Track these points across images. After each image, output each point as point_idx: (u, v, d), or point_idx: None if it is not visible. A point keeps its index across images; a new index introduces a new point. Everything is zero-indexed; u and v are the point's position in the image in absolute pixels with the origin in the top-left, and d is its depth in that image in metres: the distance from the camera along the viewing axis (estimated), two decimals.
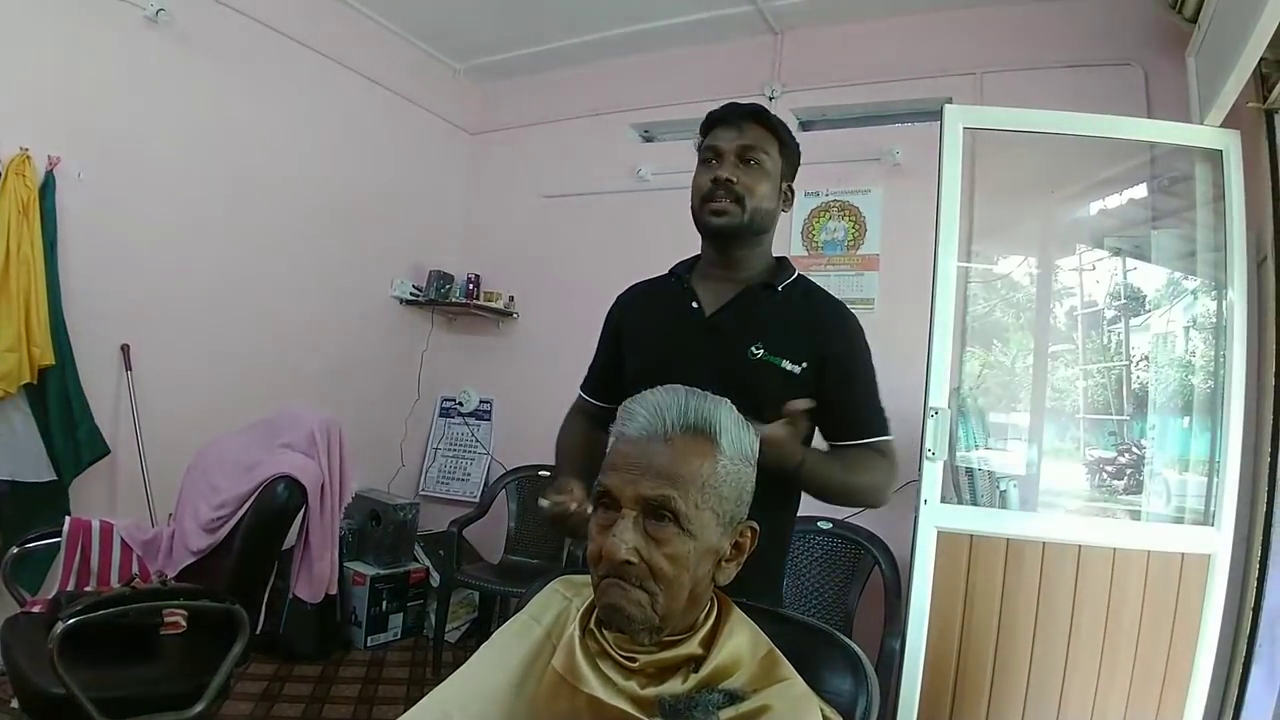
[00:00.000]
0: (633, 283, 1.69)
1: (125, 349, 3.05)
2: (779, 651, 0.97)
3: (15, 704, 1.86)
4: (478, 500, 3.97)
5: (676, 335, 1.49)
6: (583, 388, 1.72)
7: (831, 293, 1.55)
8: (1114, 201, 3.07)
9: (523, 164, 4.20)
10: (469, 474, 4.29)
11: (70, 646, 1.74)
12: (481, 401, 4.28)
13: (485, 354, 4.30)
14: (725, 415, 0.98)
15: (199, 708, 1.89)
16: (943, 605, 2.34)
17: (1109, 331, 3.30)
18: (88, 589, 2.31)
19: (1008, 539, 2.32)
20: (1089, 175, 3.00)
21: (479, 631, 3.86)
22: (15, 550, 2.24)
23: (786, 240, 3.47)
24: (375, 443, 4.11)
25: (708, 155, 1.48)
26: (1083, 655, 2.26)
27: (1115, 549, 2.26)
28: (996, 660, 2.31)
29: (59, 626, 1.67)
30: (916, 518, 2.38)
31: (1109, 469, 3.07)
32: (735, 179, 1.43)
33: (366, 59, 3.85)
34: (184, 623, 2.12)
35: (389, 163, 4.05)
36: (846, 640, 1.09)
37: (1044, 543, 2.29)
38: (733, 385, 1.35)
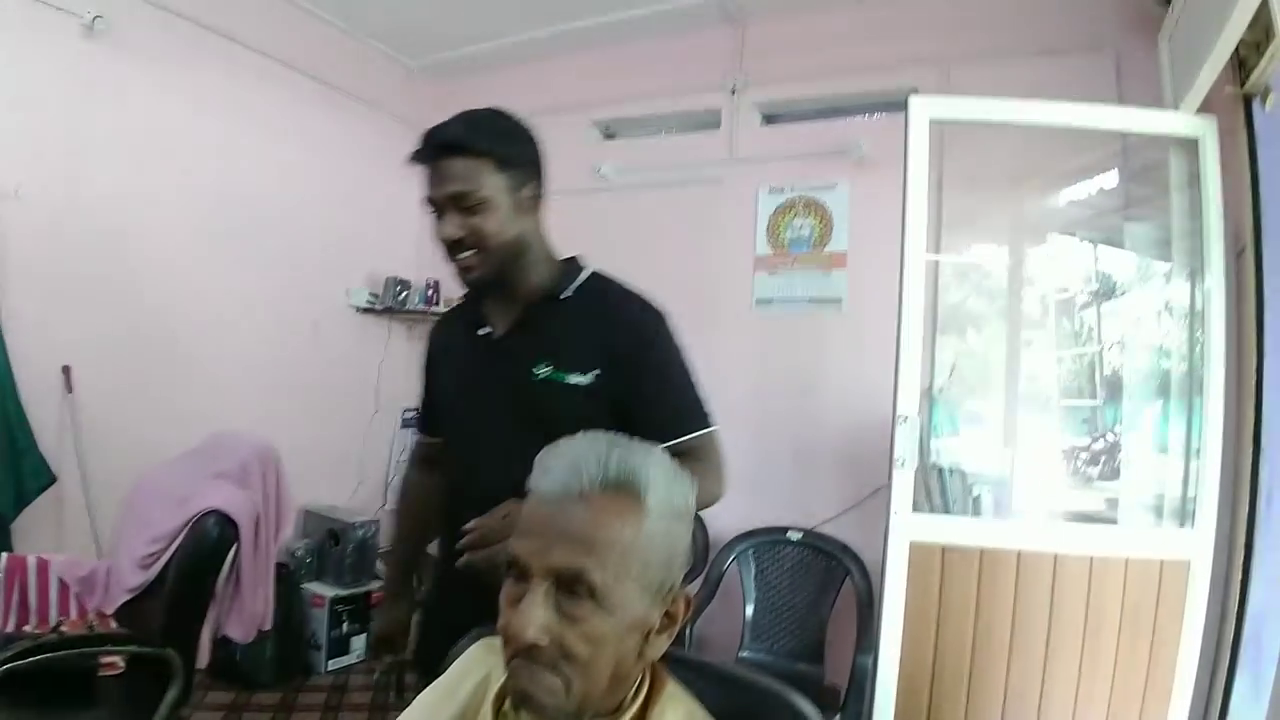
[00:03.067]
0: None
1: (66, 370, 2.90)
2: None
3: None
4: None
5: (471, 361, 1.42)
6: (418, 426, 1.65)
7: (632, 288, 1.44)
8: (1085, 190, 2.99)
9: None
10: None
11: (7, 692, 1.70)
12: None
13: None
14: (654, 466, 0.84)
15: None
16: (916, 620, 2.24)
17: (1080, 316, 3.22)
18: (26, 628, 2.21)
19: (981, 550, 2.23)
20: (1060, 164, 2.92)
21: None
22: None
23: (751, 240, 3.36)
24: (333, 458, 3.96)
25: (429, 207, 1.34)
26: (1061, 668, 2.17)
27: (1092, 557, 2.17)
28: (972, 676, 2.22)
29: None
30: (887, 529, 2.29)
31: (1084, 455, 3.01)
32: (462, 235, 1.29)
33: (314, 59, 3.70)
34: (121, 663, 2.03)
35: (341, 166, 3.88)
36: (800, 704, 0.95)
37: (1019, 552, 2.20)
38: (524, 410, 1.32)
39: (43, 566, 2.26)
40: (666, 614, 0.85)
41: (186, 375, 3.30)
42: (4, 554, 2.25)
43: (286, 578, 3.46)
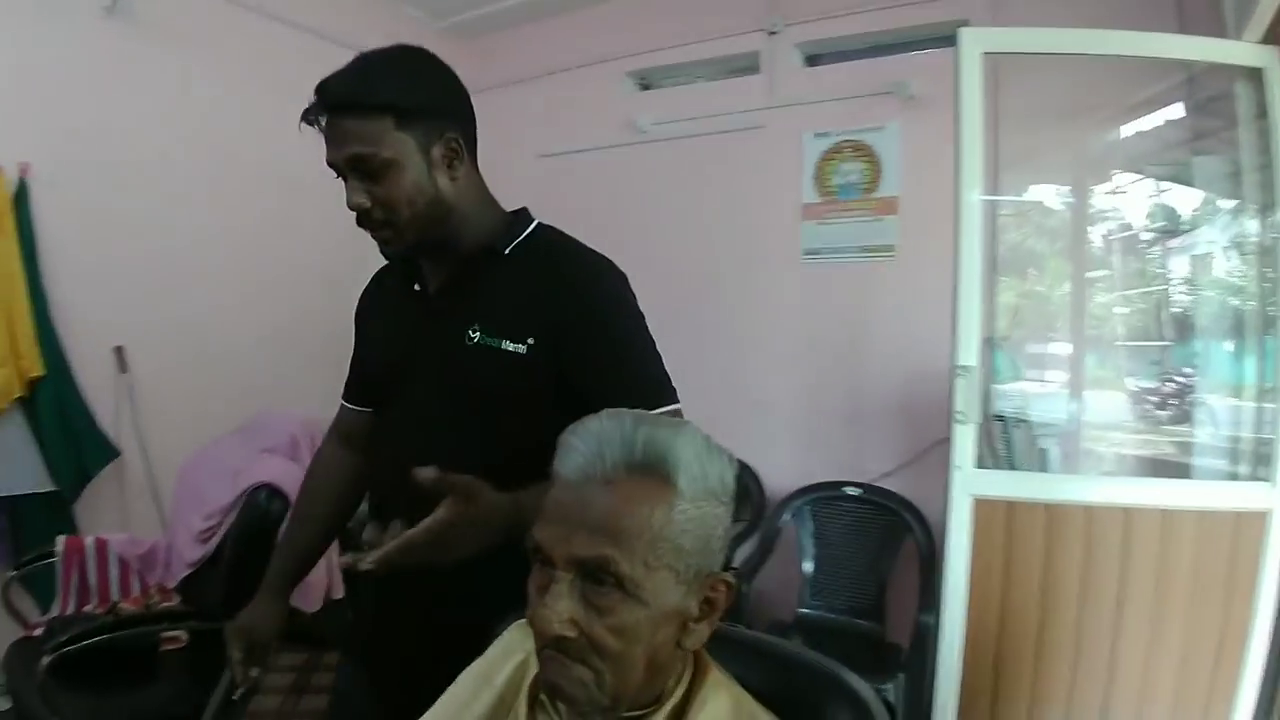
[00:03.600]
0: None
1: (119, 351, 2.95)
2: (767, 717, 0.81)
3: None
4: None
5: (401, 323, 1.25)
6: (344, 397, 1.45)
7: (585, 246, 1.24)
8: (1149, 124, 2.80)
9: (518, 123, 3.97)
10: None
11: (67, 673, 1.73)
12: None
13: None
14: (685, 445, 0.76)
15: None
16: (981, 578, 2.17)
17: (1146, 255, 3.08)
18: (87, 608, 2.26)
19: (1047, 505, 2.14)
20: (1122, 98, 2.74)
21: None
22: (13, 574, 2.21)
23: (797, 188, 3.25)
24: None
25: (339, 174, 1.15)
26: (1132, 626, 2.09)
27: (1164, 510, 2.06)
28: (1040, 635, 2.16)
29: (43, 660, 1.65)
30: (948, 484, 2.21)
31: (1153, 399, 2.89)
32: (367, 203, 1.12)
33: (339, 25, 3.62)
34: (185, 637, 2.08)
35: None
36: (854, 683, 0.89)
37: (1087, 507, 2.11)
38: (454, 379, 1.17)
39: (101, 546, 2.30)
40: (706, 600, 0.79)
41: (236, 351, 3.31)
42: (61, 537, 2.29)
43: (353, 541, 3.52)
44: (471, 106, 1.23)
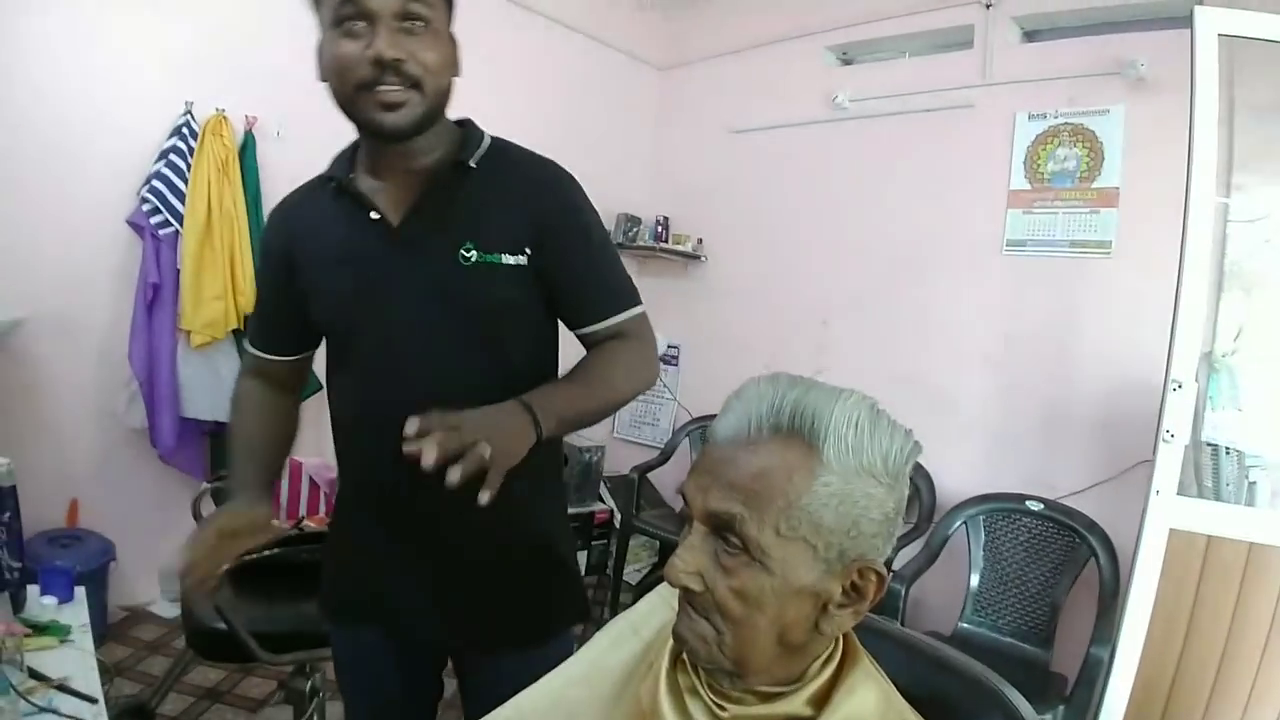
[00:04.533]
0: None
1: None
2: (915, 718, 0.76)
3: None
4: (662, 447, 3.91)
5: (361, 262, 1.12)
6: (251, 342, 1.32)
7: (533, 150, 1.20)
8: None
9: (711, 98, 3.95)
10: (658, 419, 4.25)
11: (242, 583, 1.81)
12: (669, 346, 4.16)
13: (673, 298, 4.15)
14: (839, 412, 0.70)
15: None
16: (1165, 616, 1.98)
17: None
18: (275, 522, 2.47)
19: (1250, 544, 1.89)
20: None
21: (658, 574, 3.85)
22: (206, 486, 2.41)
23: (1005, 172, 3.01)
24: None
25: (347, 12, 1.01)
26: None
27: None
28: (1216, 686, 1.92)
29: (222, 565, 1.75)
30: (1145, 510, 2.00)
31: None
32: (405, 56, 1.01)
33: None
34: None
35: (575, 105, 3.93)
36: (1012, 698, 0.80)
37: None
38: (451, 305, 1.10)
39: (295, 468, 2.50)
40: (853, 587, 0.73)
41: None
42: None
43: None
44: None
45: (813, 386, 0.73)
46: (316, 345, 1.29)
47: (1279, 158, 2.44)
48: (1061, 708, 2.19)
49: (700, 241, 4.04)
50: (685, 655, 0.78)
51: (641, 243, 4.05)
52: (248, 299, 2.79)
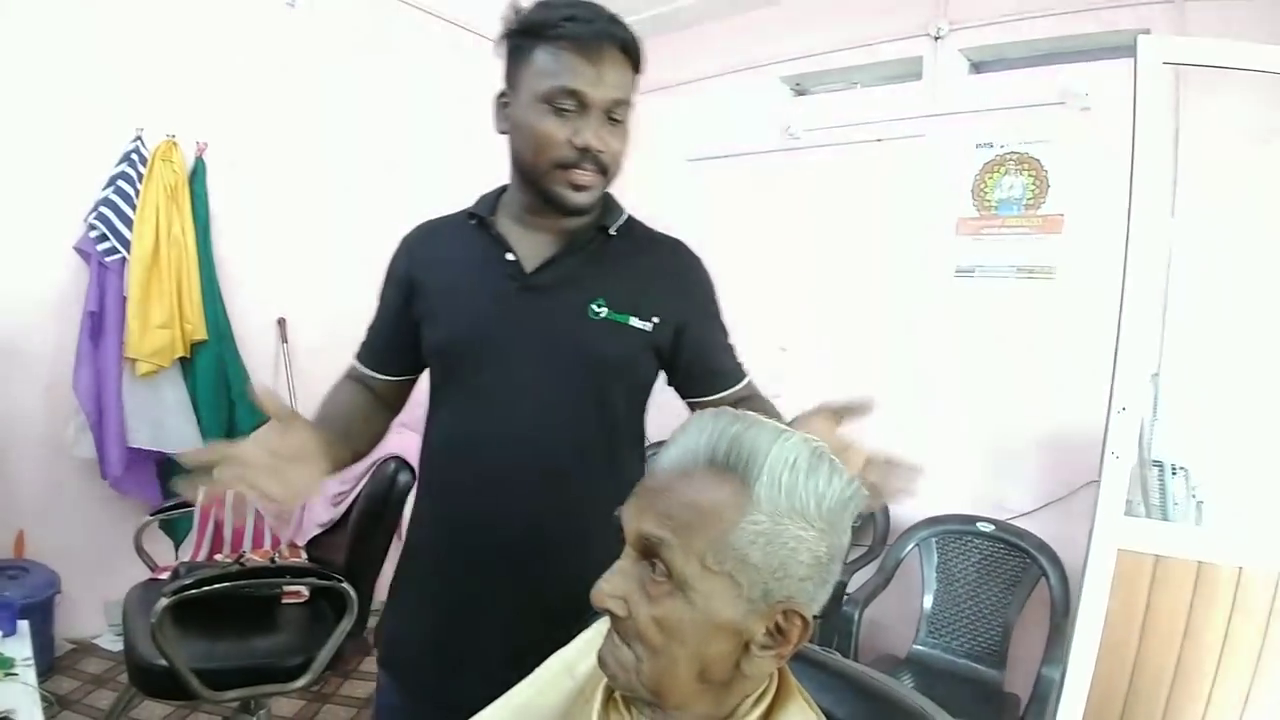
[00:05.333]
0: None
1: (281, 322, 3.17)
2: None
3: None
4: None
5: (489, 299, 1.18)
6: (358, 356, 1.37)
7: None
8: None
9: (666, 128, 3.99)
10: None
11: (185, 619, 1.78)
12: None
13: None
14: (776, 452, 0.70)
15: (301, 681, 1.89)
16: (1116, 635, 2.00)
17: None
18: (218, 557, 2.42)
19: (1199, 563, 1.93)
20: None
21: None
22: (148, 519, 2.35)
23: (954, 201, 3.08)
24: None
25: (567, 104, 1.09)
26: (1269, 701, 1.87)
27: None
28: (1168, 705, 1.96)
29: (161, 601, 1.69)
30: (1092, 531, 2.03)
31: None
32: (605, 148, 1.11)
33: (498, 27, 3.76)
34: (306, 592, 2.19)
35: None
36: None
37: (1240, 569, 1.89)
38: (572, 354, 1.15)
39: (239, 500, 2.45)
40: (777, 629, 0.73)
41: None
42: (202, 488, 2.44)
43: None
44: None
45: (755, 424, 0.73)
46: (418, 373, 1.33)
47: (1222, 181, 2.52)
48: None
49: None
50: (610, 684, 0.78)
51: None
52: (195, 327, 2.77)
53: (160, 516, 2.42)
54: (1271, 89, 2.17)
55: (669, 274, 1.24)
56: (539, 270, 1.17)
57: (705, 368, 1.26)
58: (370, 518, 2.15)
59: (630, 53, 1.12)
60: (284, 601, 2.15)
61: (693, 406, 1.26)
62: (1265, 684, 1.87)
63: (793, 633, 0.73)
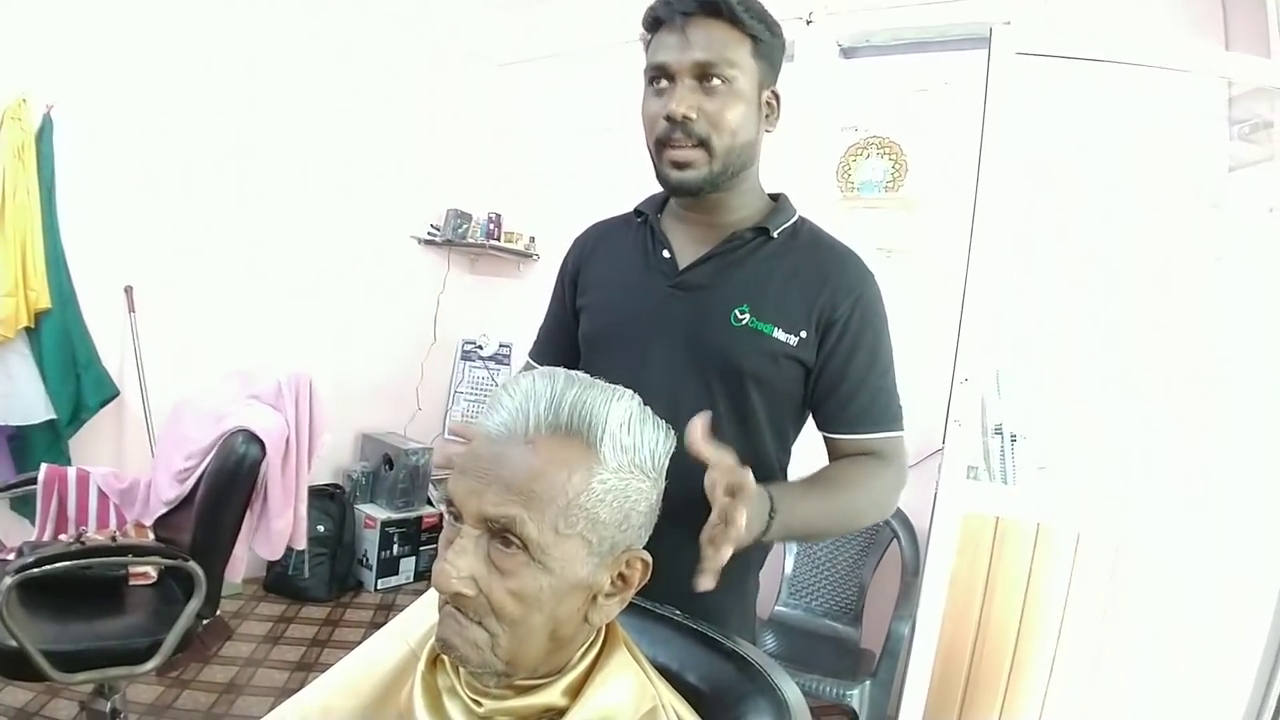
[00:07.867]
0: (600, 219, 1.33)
1: (129, 290, 2.97)
2: (674, 708, 0.77)
3: None
4: None
5: (641, 293, 1.16)
6: (530, 352, 1.39)
7: (842, 241, 1.20)
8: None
9: (551, 97, 3.94)
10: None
11: (34, 600, 1.73)
12: (501, 345, 4.11)
13: (506, 296, 4.12)
14: (613, 412, 0.74)
15: (150, 664, 1.81)
16: (962, 592, 2.14)
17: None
18: (63, 536, 2.27)
19: (1038, 524, 2.08)
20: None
21: None
22: None
23: (818, 182, 3.17)
24: (394, 386, 4.02)
25: (654, 75, 1.08)
26: (1114, 646, 2.05)
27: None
28: (1016, 654, 2.12)
29: (5, 580, 1.62)
30: (935, 496, 2.15)
31: None
32: (694, 114, 1.04)
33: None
34: (153, 573, 2.08)
35: (409, 98, 3.81)
36: (782, 687, 0.83)
37: (1079, 533, 2.05)
38: (711, 357, 1.10)
39: (83, 478, 2.30)
40: (620, 576, 0.77)
41: (245, 302, 3.34)
42: (44, 465, 2.30)
43: (341, 498, 3.56)
44: None
45: (589, 385, 0.75)
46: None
47: (1075, 164, 2.70)
48: (869, 682, 2.33)
49: (533, 240, 4.02)
50: (449, 659, 0.77)
51: (472, 239, 3.98)
52: (39, 294, 2.58)
53: (8, 494, 2.29)
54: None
55: (826, 287, 1.11)
56: (690, 269, 1.14)
57: (841, 397, 1.13)
58: (217, 494, 2.06)
59: (721, 9, 1.04)
60: (131, 583, 2.04)
61: (829, 444, 1.16)
62: (1113, 630, 2.04)
63: (634, 576, 0.77)
